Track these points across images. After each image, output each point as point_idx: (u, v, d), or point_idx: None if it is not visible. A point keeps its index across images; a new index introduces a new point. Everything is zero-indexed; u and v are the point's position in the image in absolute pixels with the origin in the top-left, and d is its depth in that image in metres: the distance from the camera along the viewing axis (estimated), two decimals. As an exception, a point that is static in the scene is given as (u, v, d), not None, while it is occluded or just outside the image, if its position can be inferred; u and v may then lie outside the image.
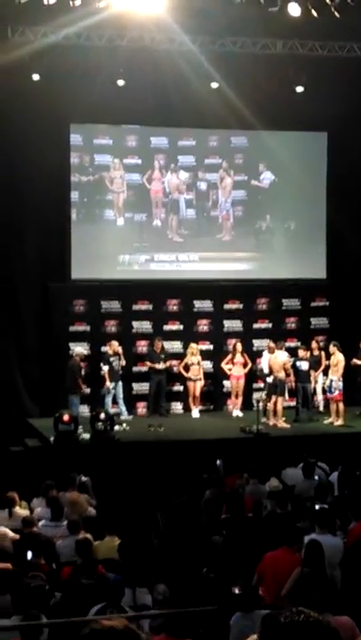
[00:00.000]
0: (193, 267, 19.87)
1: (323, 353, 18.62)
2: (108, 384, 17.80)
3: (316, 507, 10.57)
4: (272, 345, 18.38)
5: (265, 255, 20.43)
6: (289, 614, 3.34)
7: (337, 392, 17.74)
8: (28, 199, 18.27)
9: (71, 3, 15.73)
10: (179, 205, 20.13)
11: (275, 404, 17.81)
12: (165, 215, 20.10)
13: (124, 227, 19.91)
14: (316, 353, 18.67)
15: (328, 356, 18.26)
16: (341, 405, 17.82)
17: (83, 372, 17.87)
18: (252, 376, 19.11)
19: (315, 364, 18.53)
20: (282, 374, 17.76)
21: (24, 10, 16.21)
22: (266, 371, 18.35)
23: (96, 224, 19.63)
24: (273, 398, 17.84)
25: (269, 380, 18.07)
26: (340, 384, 17.71)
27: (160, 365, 18.51)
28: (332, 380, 17.80)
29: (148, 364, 18.70)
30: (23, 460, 15.77)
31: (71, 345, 18.52)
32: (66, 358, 18.01)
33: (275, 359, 17.94)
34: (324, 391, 18.52)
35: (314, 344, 18.87)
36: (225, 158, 20.28)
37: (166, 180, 20.00)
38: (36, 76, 17.31)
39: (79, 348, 18.21)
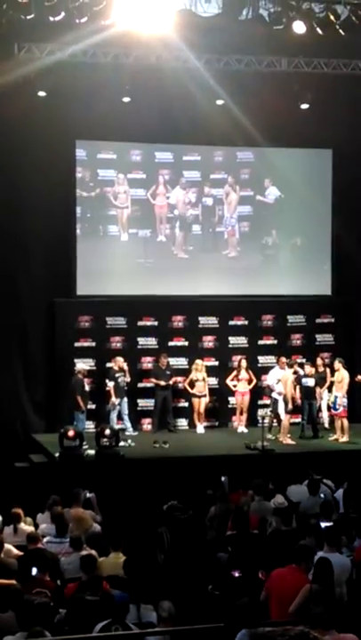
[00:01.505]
0: (198, 283, 19.79)
1: (328, 369, 18.61)
2: (114, 400, 17.79)
3: (322, 524, 10.54)
4: (284, 360, 18.38)
5: (271, 271, 20.37)
6: (282, 631, 3.35)
7: (341, 409, 17.72)
8: (34, 215, 18.32)
9: (77, 20, 15.82)
10: (184, 221, 20.02)
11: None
12: (170, 231, 20.00)
13: (128, 242, 19.80)
14: (321, 369, 18.66)
15: (333, 373, 18.26)
16: (346, 422, 17.79)
17: (87, 389, 17.86)
18: (258, 392, 19.09)
19: (320, 380, 18.51)
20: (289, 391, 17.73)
21: (30, 27, 16.30)
22: (269, 383, 18.33)
23: (99, 240, 19.53)
24: (286, 416, 17.81)
25: (274, 395, 18.07)
26: (345, 400, 17.70)
27: (163, 382, 18.49)
28: (336, 397, 17.79)
29: (153, 380, 18.69)
30: (28, 475, 15.74)
31: (76, 361, 18.51)
32: (71, 374, 18.00)
33: (285, 376, 17.91)
34: (329, 408, 18.50)
35: (319, 361, 18.87)
36: (230, 173, 20.22)
37: (171, 196, 19.92)
38: (41, 93, 17.38)
39: (81, 364, 18.19)
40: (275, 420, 18.15)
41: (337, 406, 17.76)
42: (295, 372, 18.03)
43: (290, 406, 17.74)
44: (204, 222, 20.22)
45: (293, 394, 17.80)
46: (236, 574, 8.48)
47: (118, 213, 19.73)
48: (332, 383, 18.28)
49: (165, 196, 19.93)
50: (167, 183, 19.95)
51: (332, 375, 18.28)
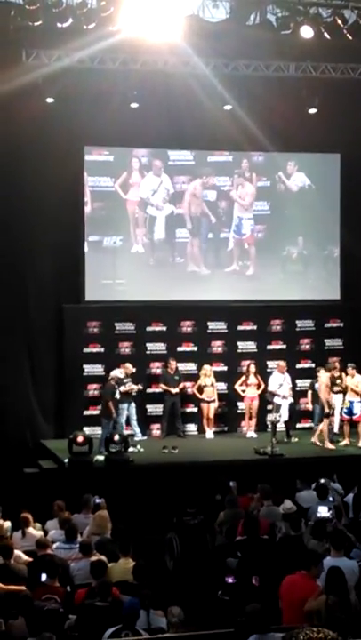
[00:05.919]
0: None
1: (342, 374, 18.52)
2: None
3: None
4: (283, 365, 18.29)
5: (285, 281, 19.77)
6: (308, 632, 3.38)
7: (359, 413, 17.71)
8: (43, 220, 18.30)
9: (85, 26, 15.90)
10: (171, 224, 17.38)
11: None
12: (150, 238, 17.35)
13: (89, 255, 17.10)
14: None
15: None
16: (361, 427, 17.78)
17: (117, 396, 17.35)
18: (266, 397, 19.05)
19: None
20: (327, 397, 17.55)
21: (38, 33, 16.40)
22: (270, 389, 18.25)
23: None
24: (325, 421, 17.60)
25: (277, 400, 17.94)
26: (361, 405, 17.72)
27: (173, 390, 18.36)
28: (352, 402, 17.74)
29: (163, 386, 18.62)
30: (37, 481, 15.75)
31: (92, 366, 18.37)
32: (80, 380, 18.02)
33: (320, 380, 17.69)
34: (340, 412, 18.42)
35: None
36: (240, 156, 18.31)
37: (152, 187, 17.28)
38: (50, 99, 17.41)
39: (115, 372, 17.54)
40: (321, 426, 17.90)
41: (354, 411, 17.73)
42: (331, 377, 17.84)
43: (326, 410, 17.58)
44: (202, 226, 17.90)
45: (328, 398, 17.62)
46: (230, 580, 8.48)
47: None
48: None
49: (142, 187, 16.63)
50: (145, 169, 17.23)
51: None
